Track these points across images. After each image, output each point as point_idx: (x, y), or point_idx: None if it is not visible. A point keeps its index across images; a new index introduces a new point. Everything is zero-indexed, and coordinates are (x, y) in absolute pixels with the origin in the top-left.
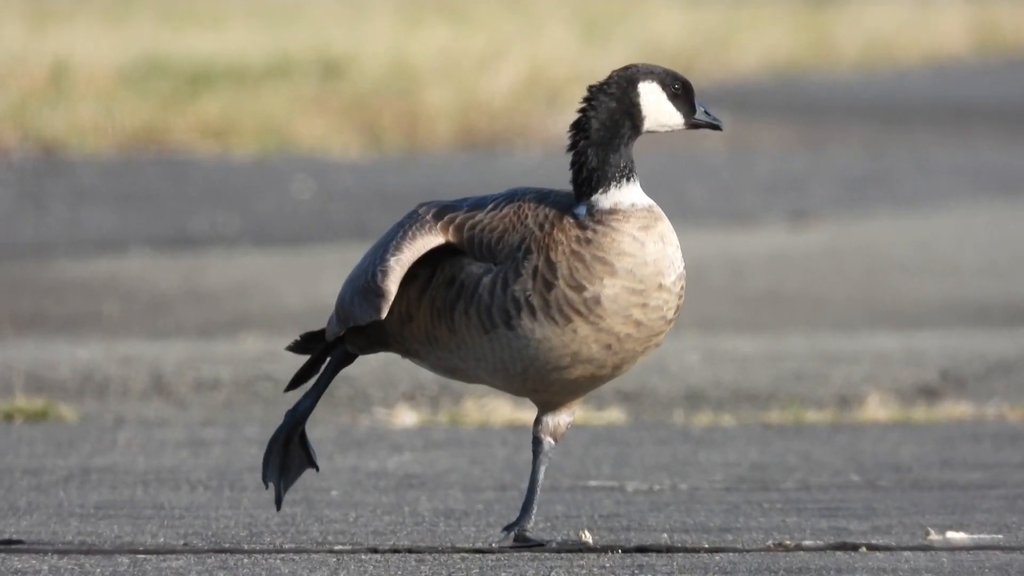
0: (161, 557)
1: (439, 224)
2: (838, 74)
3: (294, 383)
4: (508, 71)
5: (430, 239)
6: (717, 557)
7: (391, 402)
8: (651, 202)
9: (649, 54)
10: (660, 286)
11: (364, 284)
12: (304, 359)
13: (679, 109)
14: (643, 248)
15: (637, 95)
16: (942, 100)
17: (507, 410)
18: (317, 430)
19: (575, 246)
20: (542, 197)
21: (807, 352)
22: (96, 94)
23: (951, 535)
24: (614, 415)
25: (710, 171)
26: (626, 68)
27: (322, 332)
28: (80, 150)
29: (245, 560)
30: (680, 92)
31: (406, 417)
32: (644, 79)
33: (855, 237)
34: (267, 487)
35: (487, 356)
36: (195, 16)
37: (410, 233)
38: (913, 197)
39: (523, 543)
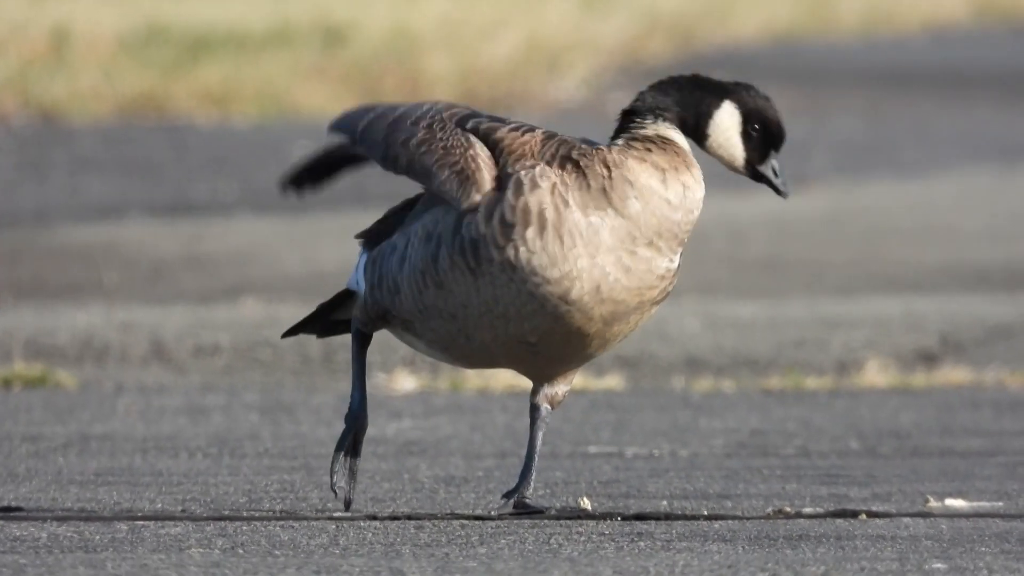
0: (160, 524)
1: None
2: (838, 41)
3: (290, 332)
4: (508, 38)
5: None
6: (716, 524)
7: (390, 368)
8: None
9: (649, 21)
10: (651, 243)
11: (460, 167)
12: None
13: (745, 148)
14: (665, 190)
15: (716, 109)
16: (942, 66)
17: (507, 375)
18: (316, 396)
19: (599, 167)
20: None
21: (807, 318)
22: (96, 61)
23: (950, 502)
24: (613, 381)
25: None
26: (737, 84)
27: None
28: (80, 117)
29: (244, 527)
30: (756, 133)
31: (406, 383)
32: (731, 98)
33: (855, 203)
34: (336, 494)
35: (472, 301)
36: None
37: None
38: (913, 163)
39: (522, 510)
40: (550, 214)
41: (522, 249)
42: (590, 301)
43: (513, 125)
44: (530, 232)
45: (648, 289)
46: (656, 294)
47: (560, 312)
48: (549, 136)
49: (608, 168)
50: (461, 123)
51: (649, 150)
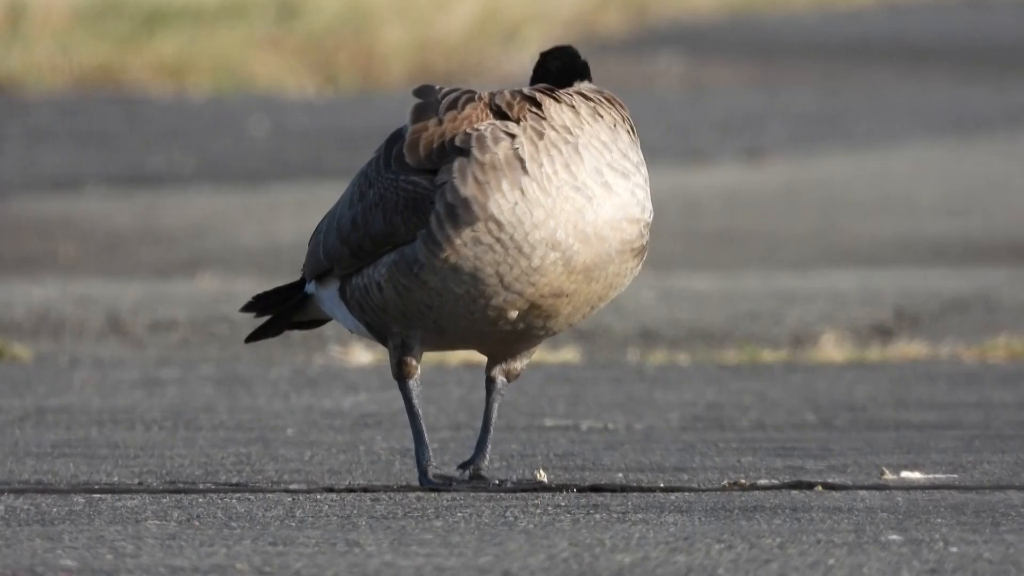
0: (116, 496)
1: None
2: (794, 13)
3: (254, 337)
4: (464, 9)
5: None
6: (672, 496)
7: (346, 341)
8: None
9: None
10: (625, 155)
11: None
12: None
13: None
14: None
15: None
16: (898, 39)
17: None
18: (272, 370)
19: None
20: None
21: (762, 291)
22: (52, 33)
23: (906, 475)
24: (568, 354)
25: (665, 109)
26: None
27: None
28: (36, 89)
29: (200, 499)
30: None
31: (361, 356)
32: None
33: (810, 175)
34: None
35: (449, 284)
36: None
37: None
38: (868, 135)
39: (478, 482)
40: (525, 152)
41: (502, 201)
42: (574, 241)
43: (448, 104)
44: (505, 184)
45: (630, 223)
46: (635, 236)
47: (544, 266)
48: (494, 92)
49: (574, 95)
50: (388, 160)
51: (602, 91)
